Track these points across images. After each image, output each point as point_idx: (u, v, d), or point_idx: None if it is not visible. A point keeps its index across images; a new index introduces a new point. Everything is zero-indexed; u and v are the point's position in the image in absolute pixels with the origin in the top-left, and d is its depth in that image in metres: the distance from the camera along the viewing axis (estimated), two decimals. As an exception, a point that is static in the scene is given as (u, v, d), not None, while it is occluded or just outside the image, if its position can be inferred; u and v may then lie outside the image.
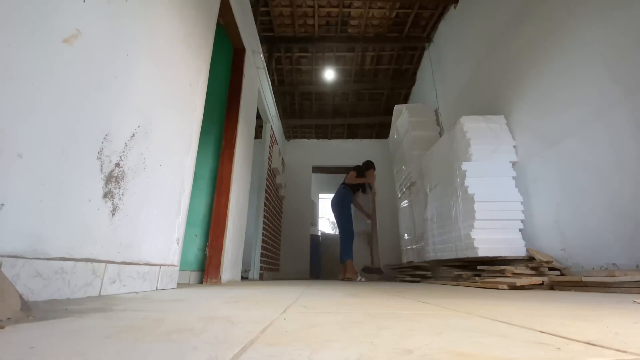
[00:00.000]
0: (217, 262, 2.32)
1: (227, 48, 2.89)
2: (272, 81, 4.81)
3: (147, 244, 1.32)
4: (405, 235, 4.11)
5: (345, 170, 7.15)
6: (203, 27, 1.96)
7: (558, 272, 1.95)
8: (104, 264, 1.05)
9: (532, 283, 1.83)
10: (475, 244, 2.22)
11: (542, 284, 1.84)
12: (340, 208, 4.33)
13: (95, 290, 1.00)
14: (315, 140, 6.57)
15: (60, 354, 0.37)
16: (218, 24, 2.45)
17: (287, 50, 4.83)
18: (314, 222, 7.10)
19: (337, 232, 4.52)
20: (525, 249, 2.21)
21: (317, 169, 6.65)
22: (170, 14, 1.52)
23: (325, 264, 6.75)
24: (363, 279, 3.96)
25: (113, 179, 1.10)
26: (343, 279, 3.92)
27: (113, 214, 1.11)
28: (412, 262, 3.74)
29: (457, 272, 2.57)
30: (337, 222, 4.35)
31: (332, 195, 4.66)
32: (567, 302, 1.08)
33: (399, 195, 4.36)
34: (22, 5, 0.76)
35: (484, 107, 3.03)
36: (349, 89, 5.59)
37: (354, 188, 4.48)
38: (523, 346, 0.43)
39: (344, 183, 4.47)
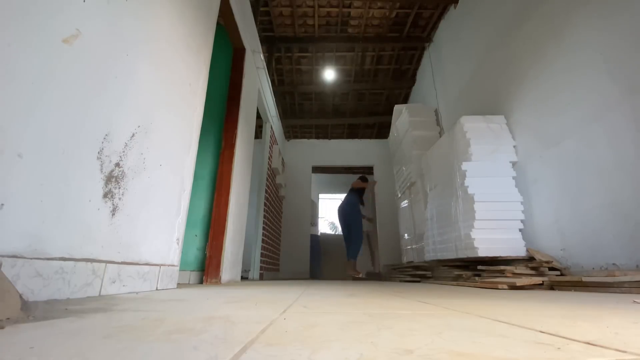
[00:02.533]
0: (217, 262, 2.31)
1: (227, 48, 2.89)
2: (272, 81, 4.81)
3: (147, 244, 1.32)
4: (405, 235, 4.11)
5: (344, 170, 7.17)
6: (203, 27, 1.96)
7: (558, 272, 1.95)
8: (104, 264, 1.05)
9: (532, 283, 1.83)
10: (475, 244, 2.22)
11: (542, 284, 1.84)
12: (355, 212, 5.12)
13: (95, 290, 1.00)
14: (315, 140, 6.56)
15: (60, 354, 0.37)
16: (218, 24, 2.45)
17: (287, 50, 4.83)
18: (314, 222, 7.10)
19: (343, 233, 5.27)
20: (525, 249, 2.21)
21: (317, 169, 6.65)
22: (170, 14, 1.52)
23: (325, 264, 6.75)
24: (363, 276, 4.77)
25: (113, 179, 1.10)
26: (352, 275, 4.73)
27: (113, 214, 1.11)
28: (412, 262, 3.74)
29: (457, 272, 2.57)
30: (352, 225, 5.06)
31: (331, 195, 5.23)
32: (567, 302, 1.08)
33: (399, 195, 4.36)
34: (22, 5, 0.76)
35: (484, 107, 3.03)
36: (349, 89, 5.58)
37: (360, 194, 5.33)
38: (523, 346, 0.43)
39: (352, 189, 5.25)
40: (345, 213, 5.18)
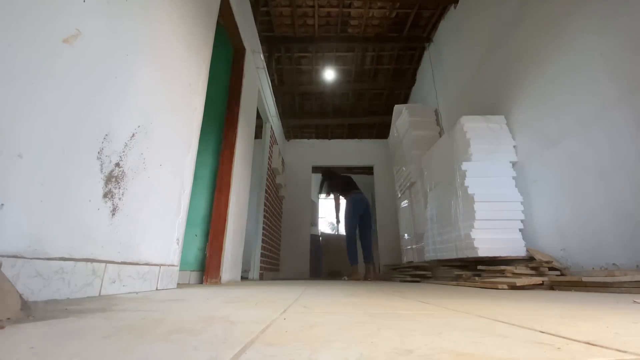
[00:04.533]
0: (217, 262, 2.31)
1: (227, 48, 2.89)
2: (272, 81, 4.81)
3: (147, 244, 1.32)
4: (405, 235, 4.10)
5: (344, 170, 7.16)
6: (203, 27, 1.96)
7: (558, 272, 1.95)
8: (104, 264, 1.05)
9: (532, 283, 1.83)
10: (475, 244, 2.22)
11: (542, 284, 1.84)
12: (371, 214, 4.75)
13: (95, 290, 1.00)
14: (315, 140, 6.56)
15: (60, 354, 0.37)
16: (218, 24, 2.45)
17: (287, 50, 4.82)
18: (314, 222, 7.10)
19: (345, 233, 4.90)
20: (525, 249, 2.21)
21: (317, 169, 6.65)
22: (170, 14, 1.52)
23: (325, 264, 6.75)
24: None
25: (113, 179, 1.10)
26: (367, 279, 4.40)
27: (113, 214, 1.11)
28: (412, 262, 3.74)
29: (457, 272, 2.57)
30: (370, 226, 4.73)
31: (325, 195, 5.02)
32: (567, 302, 1.08)
33: (399, 195, 4.36)
34: (23, 5, 0.76)
35: (484, 107, 3.03)
36: (349, 89, 5.58)
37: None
38: (523, 346, 0.43)
39: (361, 192, 4.85)
40: (367, 208, 4.70)
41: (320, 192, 5.23)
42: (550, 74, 2.20)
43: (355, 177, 6.07)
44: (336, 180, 5.07)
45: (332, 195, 5.44)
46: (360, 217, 4.64)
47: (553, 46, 2.19)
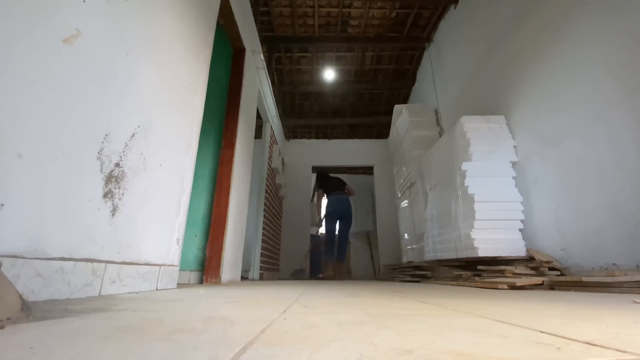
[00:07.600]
0: (217, 262, 2.31)
1: (227, 48, 2.89)
2: (272, 81, 4.81)
3: (147, 244, 1.32)
4: (405, 235, 4.10)
5: (344, 170, 7.14)
6: (203, 27, 1.96)
7: (558, 272, 1.95)
8: (104, 264, 1.05)
9: (532, 283, 1.83)
10: (475, 244, 2.21)
11: (542, 284, 1.84)
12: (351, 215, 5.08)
13: (95, 290, 1.00)
14: (315, 140, 6.56)
15: (60, 354, 0.37)
16: (218, 24, 2.45)
17: (287, 50, 4.82)
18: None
19: (337, 233, 5.16)
20: (525, 249, 2.21)
21: (317, 169, 6.65)
22: (170, 14, 1.52)
23: (325, 264, 6.74)
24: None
25: (113, 179, 1.10)
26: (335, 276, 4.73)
27: (113, 214, 1.11)
28: (412, 262, 3.74)
29: (457, 272, 2.57)
30: (349, 226, 5.04)
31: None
32: (567, 302, 1.08)
33: (399, 195, 4.36)
34: (23, 5, 0.76)
35: (484, 107, 3.03)
36: (349, 89, 5.58)
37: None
38: (523, 346, 0.43)
39: (348, 193, 5.18)
40: (349, 209, 5.11)
41: (313, 193, 5.54)
42: (551, 73, 2.20)
43: (356, 178, 6.06)
44: (327, 180, 5.41)
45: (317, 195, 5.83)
46: (340, 216, 5.02)
47: (553, 45, 2.19)
